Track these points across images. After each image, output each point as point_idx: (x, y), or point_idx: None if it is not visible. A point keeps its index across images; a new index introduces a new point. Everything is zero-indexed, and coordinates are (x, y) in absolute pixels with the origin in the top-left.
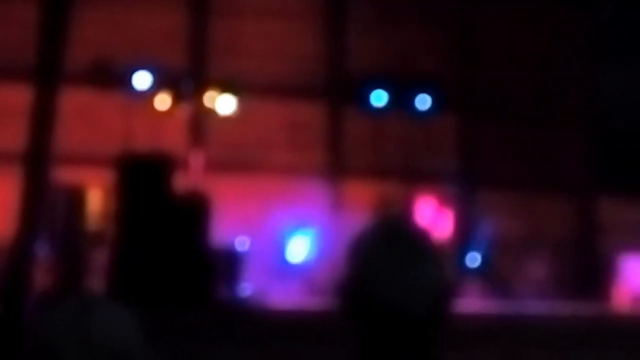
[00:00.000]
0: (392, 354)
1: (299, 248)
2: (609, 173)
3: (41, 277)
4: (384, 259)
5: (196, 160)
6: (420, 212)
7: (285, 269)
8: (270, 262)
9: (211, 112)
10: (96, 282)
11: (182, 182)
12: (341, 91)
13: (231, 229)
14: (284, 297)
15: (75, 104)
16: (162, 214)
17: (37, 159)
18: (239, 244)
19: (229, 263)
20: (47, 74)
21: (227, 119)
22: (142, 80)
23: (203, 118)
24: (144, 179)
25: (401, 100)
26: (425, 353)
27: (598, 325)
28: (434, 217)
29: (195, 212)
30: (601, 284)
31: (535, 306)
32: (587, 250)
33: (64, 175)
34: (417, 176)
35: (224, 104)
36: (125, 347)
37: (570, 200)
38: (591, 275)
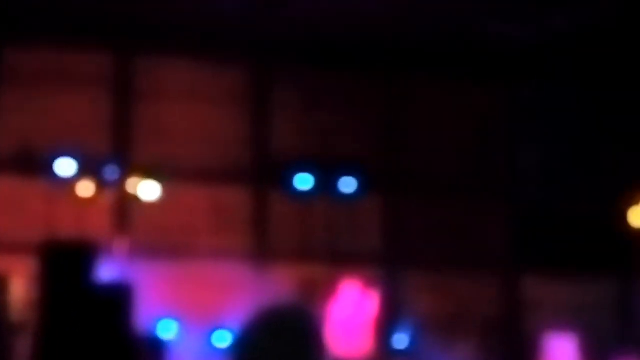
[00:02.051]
0: None
1: (226, 332)
2: (532, 251)
3: None
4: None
5: (121, 246)
6: (346, 294)
7: (212, 354)
8: (197, 348)
9: (135, 198)
10: None
11: (106, 269)
12: (266, 175)
13: (157, 315)
14: None
15: None
16: (85, 302)
17: None
18: (165, 331)
19: (154, 350)
20: None
21: (151, 205)
22: (65, 167)
23: (127, 204)
24: (67, 266)
25: (326, 183)
26: None
27: None
28: (359, 298)
29: (119, 299)
30: None
31: None
32: (513, 329)
33: None
34: (342, 258)
35: (148, 189)
36: None
37: (495, 278)
38: (518, 354)
